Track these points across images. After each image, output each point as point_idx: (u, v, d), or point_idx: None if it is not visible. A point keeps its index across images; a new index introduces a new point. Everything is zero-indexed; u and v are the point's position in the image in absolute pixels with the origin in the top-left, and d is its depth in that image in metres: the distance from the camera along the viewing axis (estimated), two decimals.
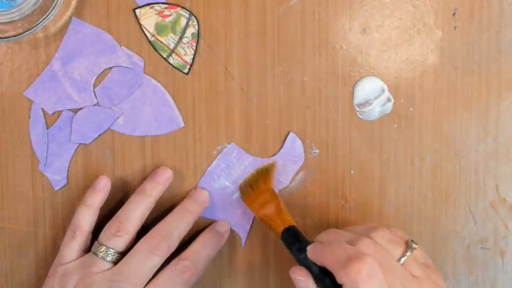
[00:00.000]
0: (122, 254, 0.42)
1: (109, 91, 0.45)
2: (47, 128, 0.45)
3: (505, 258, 0.47)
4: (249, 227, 0.47)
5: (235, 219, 0.47)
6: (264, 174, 0.45)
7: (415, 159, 0.47)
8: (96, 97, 0.45)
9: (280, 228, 0.41)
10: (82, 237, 0.43)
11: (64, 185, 0.46)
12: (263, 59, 0.46)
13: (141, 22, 0.45)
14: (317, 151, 0.47)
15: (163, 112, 0.46)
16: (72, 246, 0.43)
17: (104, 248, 0.42)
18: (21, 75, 0.45)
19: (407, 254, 0.38)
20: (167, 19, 0.45)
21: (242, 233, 0.47)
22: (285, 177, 0.46)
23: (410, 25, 0.46)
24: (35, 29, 0.42)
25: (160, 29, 0.45)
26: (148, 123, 0.46)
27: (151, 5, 0.45)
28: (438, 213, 0.47)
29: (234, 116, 0.46)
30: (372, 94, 0.46)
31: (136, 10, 0.45)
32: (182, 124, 0.46)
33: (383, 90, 0.46)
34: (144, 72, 0.46)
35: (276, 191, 0.45)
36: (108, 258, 0.42)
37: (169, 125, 0.46)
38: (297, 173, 0.47)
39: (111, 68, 0.45)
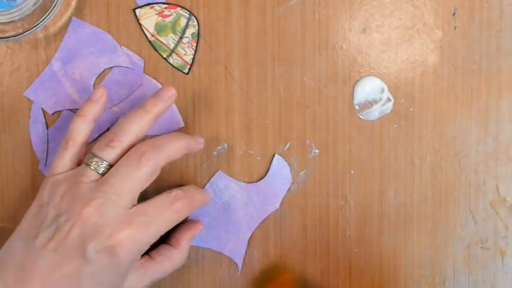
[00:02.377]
0: None
1: (109, 91, 0.45)
2: (47, 128, 0.45)
3: (505, 258, 0.47)
4: (243, 252, 0.47)
5: (229, 246, 0.46)
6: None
7: (415, 159, 0.47)
8: None
9: None
10: (75, 148, 0.41)
11: None
12: (263, 59, 0.46)
13: (141, 22, 0.45)
14: (317, 151, 0.47)
15: None
16: (65, 157, 0.41)
17: (96, 159, 0.40)
18: (21, 75, 0.45)
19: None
20: (167, 19, 0.45)
21: (237, 259, 0.47)
22: (275, 199, 0.46)
23: (410, 25, 0.46)
24: (35, 29, 0.42)
25: (160, 29, 0.45)
26: None
27: (151, 5, 0.45)
28: (438, 213, 0.47)
29: (234, 116, 0.46)
30: (372, 94, 0.46)
31: (136, 10, 0.45)
32: (182, 124, 0.46)
33: (383, 90, 0.46)
34: (144, 72, 0.46)
35: (267, 214, 0.46)
36: (100, 170, 0.40)
37: (169, 125, 0.46)
38: (297, 173, 0.47)
39: (111, 68, 0.45)
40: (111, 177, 0.40)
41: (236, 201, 0.46)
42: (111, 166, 0.40)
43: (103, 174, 0.40)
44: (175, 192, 0.41)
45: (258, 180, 0.46)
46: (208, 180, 0.46)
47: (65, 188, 0.40)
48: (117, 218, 0.39)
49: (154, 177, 0.40)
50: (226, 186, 0.46)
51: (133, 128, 0.41)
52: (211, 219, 0.46)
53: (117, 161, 0.40)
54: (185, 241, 0.44)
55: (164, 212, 0.40)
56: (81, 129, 0.41)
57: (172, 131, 0.46)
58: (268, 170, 0.46)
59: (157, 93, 0.42)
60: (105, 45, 0.45)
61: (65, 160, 0.41)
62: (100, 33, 0.45)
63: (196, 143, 0.43)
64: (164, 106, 0.42)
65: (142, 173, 0.39)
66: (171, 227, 0.41)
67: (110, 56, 0.45)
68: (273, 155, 0.46)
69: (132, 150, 0.40)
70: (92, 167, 0.40)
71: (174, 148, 0.41)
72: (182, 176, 0.46)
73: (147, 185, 0.40)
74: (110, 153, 0.40)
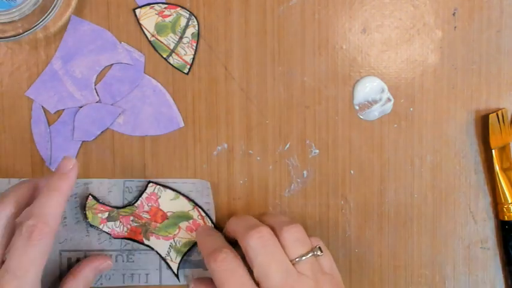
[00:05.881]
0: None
1: (110, 88, 0.45)
2: (49, 126, 0.46)
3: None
4: None
5: None
6: None
7: (415, 159, 0.47)
8: (97, 94, 0.45)
9: None
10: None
11: None
12: (263, 59, 0.46)
13: (141, 22, 0.45)
14: (317, 151, 0.47)
15: (163, 112, 0.46)
16: None
17: None
18: (21, 75, 0.45)
19: (308, 255, 0.39)
20: (167, 19, 0.45)
21: None
22: None
23: (410, 25, 0.46)
24: (35, 29, 0.42)
25: (160, 29, 0.45)
26: (148, 123, 0.46)
27: (151, 5, 0.45)
28: (438, 213, 0.47)
29: (234, 116, 0.46)
30: (372, 94, 0.46)
31: (136, 10, 0.45)
32: (182, 124, 0.46)
33: (383, 90, 0.46)
34: (144, 72, 0.46)
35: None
36: None
37: (169, 125, 0.46)
38: (297, 173, 0.47)
39: (111, 64, 0.45)
40: (6, 273, 0.36)
41: None
42: None
43: None
44: (25, 226, 0.37)
45: (258, 180, 0.47)
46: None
47: None
48: None
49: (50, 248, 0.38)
50: None
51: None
52: None
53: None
54: (87, 270, 0.44)
55: None
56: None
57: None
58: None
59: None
60: (105, 43, 0.45)
61: None
62: (100, 31, 0.45)
63: (69, 176, 0.40)
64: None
65: (36, 251, 0.37)
66: None
67: (110, 53, 0.45)
68: (272, 156, 0.46)
69: (17, 231, 0.37)
70: None
71: (55, 205, 0.38)
72: (182, 176, 0.46)
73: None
74: None
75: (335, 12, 0.46)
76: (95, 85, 0.45)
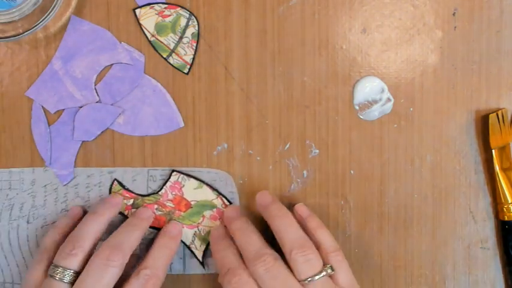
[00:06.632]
0: (80, 274, 0.41)
1: (110, 88, 0.45)
2: (49, 126, 0.46)
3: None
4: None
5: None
6: None
7: (415, 159, 0.47)
8: (97, 94, 0.45)
9: None
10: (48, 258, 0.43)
11: (71, 179, 0.46)
12: (263, 59, 0.46)
13: (141, 22, 0.45)
14: (317, 151, 0.47)
15: (163, 112, 0.46)
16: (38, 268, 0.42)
17: (60, 269, 0.40)
18: (21, 75, 0.45)
19: (319, 275, 0.40)
20: (167, 19, 0.45)
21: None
22: None
23: (410, 25, 0.46)
24: (35, 29, 0.42)
25: (160, 29, 0.45)
26: (148, 123, 0.46)
27: (151, 5, 0.45)
28: (438, 213, 0.47)
29: (234, 116, 0.46)
30: (372, 94, 0.46)
31: (136, 10, 0.45)
32: (182, 124, 0.46)
33: (383, 90, 0.46)
34: (144, 72, 0.46)
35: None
36: (66, 279, 0.40)
37: (169, 125, 0.46)
38: (297, 173, 0.47)
39: (111, 64, 0.45)
40: (82, 283, 0.40)
41: None
42: (76, 273, 0.41)
43: (70, 283, 0.40)
44: (143, 273, 0.42)
45: (258, 180, 0.47)
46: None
47: None
48: None
49: (121, 272, 0.41)
50: None
51: (91, 231, 0.42)
52: None
53: (82, 267, 0.41)
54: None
55: None
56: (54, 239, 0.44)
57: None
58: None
59: (106, 199, 0.45)
60: (105, 43, 0.45)
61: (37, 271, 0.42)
62: (99, 31, 0.45)
63: (147, 222, 0.45)
64: (114, 211, 0.45)
65: (110, 274, 0.40)
66: None
67: (110, 53, 0.45)
68: (273, 156, 0.46)
69: (95, 256, 0.41)
70: (57, 278, 0.40)
71: (134, 240, 0.43)
72: None
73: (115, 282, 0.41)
74: (72, 261, 0.41)
75: (335, 12, 0.46)
76: (95, 85, 0.45)
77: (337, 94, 0.46)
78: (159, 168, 0.46)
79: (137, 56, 0.45)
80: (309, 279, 0.40)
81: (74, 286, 0.40)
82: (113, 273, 0.41)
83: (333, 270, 0.41)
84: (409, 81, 0.46)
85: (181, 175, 0.46)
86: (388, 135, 0.47)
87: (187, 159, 0.46)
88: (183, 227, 0.46)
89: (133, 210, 0.46)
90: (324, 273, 0.41)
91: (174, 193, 0.46)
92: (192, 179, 0.46)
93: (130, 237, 0.43)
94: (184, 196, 0.46)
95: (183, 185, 0.46)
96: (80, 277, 0.40)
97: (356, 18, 0.46)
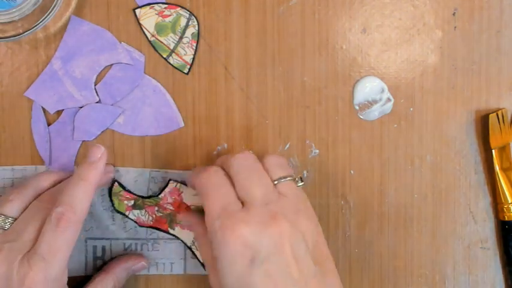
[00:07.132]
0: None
1: (110, 88, 0.45)
2: (49, 126, 0.46)
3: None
4: None
5: None
6: None
7: (415, 159, 0.47)
8: (97, 94, 0.45)
9: None
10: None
11: None
12: (263, 59, 0.46)
13: (141, 22, 0.45)
14: (317, 151, 0.47)
15: (163, 112, 0.46)
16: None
17: (1, 217, 0.40)
18: (21, 75, 0.45)
19: (287, 178, 0.40)
20: (167, 19, 0.45)
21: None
22: None
23: (410, 25, 0.46)
24: (35, 29, 0.42)
25: (160, 29, 0.45)
26: (148, 123, 0.46)
27: (151, 5, 0.45)
28: (438, 213, 0.47)
29: (234, 116, 0.46)
30: (372, 94, 0.46)
31: (136, 10, 0.45)
32: (182, 124, 0.46)
33: (383, 90, 0.46)
34: (144, 72, 0.46)
35: None
36: (7, 227, 0.40)
37: (169, 125, 0.46)
38: (297, 173, 0.47)
39: (111, 64, 0.45)
40: (15, 226, 0.40)
41: None
42: (15, 219, 0.40)
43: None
44: (54, 213, 0.38)
45: None
46: None
47: None
48: None
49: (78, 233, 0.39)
50: None
51: (30, 180, 0.42)
52: None
53: (20, 212, 0.40)
54: (120, 269, 0.44)
55: None
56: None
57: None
58: None
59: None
60: (105, 43, 0.45)
61: None
62: (99, 31, 0.45)
63: (106, 173, 0.43)
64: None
65: (42, 215, 0.39)
66: None
67: (110, 53, 0.45)
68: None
69: (32, 203, 0.41)
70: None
71: (83, 194, 0.40)
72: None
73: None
74: (12, 208, 0.41)
75: (335, 12, 0.46)
76: (95, 85, 0.45)
77: (337, 94, 0.46)
78: (161, 170, 0.46)
79: (137, 56, 0.45)
80: (278, 181, 0.40)
81: (9, 228, 0.40)
82: (44, 216, 0.39)
83: (302, 181, 0.41)
84: (409, 81, 0.46)
85: (179, 183, 0.46)
86: (388, 135, 0.47)
87: (188, 159, 0.46)
88: (184, 229, 0.46)
89: (134, 211, 0.46)
90: (291, 177, 0.40)
91: (173, 197, 0.46)
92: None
93: (79, 194, 0.39)
94: (184, 201, 0.46)
95: (182, 191, 0.46)
96: (16, 221, 0.40)
97: (356, 18, 0.46)
